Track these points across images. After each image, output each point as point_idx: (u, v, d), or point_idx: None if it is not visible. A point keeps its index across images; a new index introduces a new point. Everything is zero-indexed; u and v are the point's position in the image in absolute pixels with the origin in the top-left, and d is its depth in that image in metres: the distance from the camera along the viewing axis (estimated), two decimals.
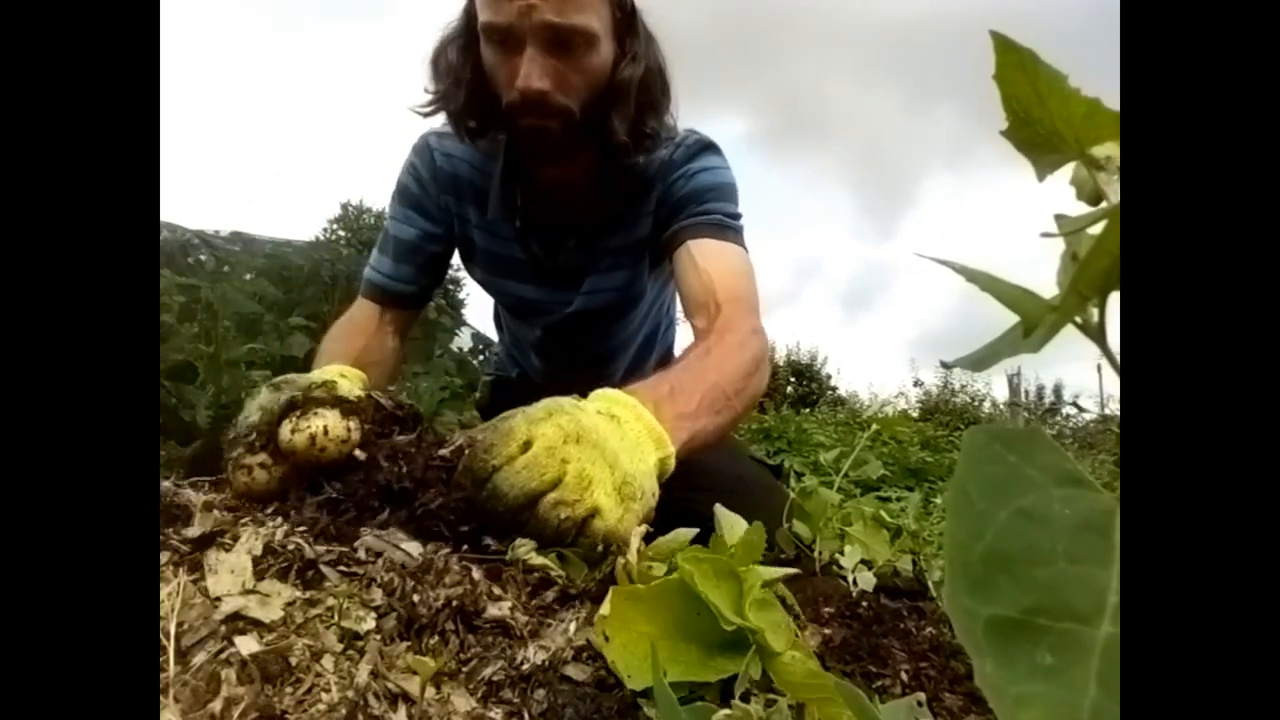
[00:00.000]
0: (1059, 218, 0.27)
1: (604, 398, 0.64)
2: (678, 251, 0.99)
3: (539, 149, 0.96)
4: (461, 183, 1.08)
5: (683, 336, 1.35)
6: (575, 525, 0.51)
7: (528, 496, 0.51)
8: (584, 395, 0.63)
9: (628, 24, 0.96)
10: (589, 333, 1.19)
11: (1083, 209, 0.28)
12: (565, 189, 1.06)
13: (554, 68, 0.89)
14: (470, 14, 0.95)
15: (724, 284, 0.92)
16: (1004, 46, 0.23)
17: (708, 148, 1.05)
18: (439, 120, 1.02)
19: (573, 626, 0.44)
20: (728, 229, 0.99)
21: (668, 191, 1.03)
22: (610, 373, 1.25)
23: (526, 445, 0.53)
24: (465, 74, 0.95)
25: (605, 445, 0.55)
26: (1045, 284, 0.28)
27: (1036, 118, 0.24)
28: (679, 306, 1.21)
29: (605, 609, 0.42)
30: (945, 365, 0.30)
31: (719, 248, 0.97)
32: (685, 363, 0.80)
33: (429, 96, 0.99)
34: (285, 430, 0.56)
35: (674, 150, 1.04)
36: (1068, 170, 0.28)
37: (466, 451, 0.54)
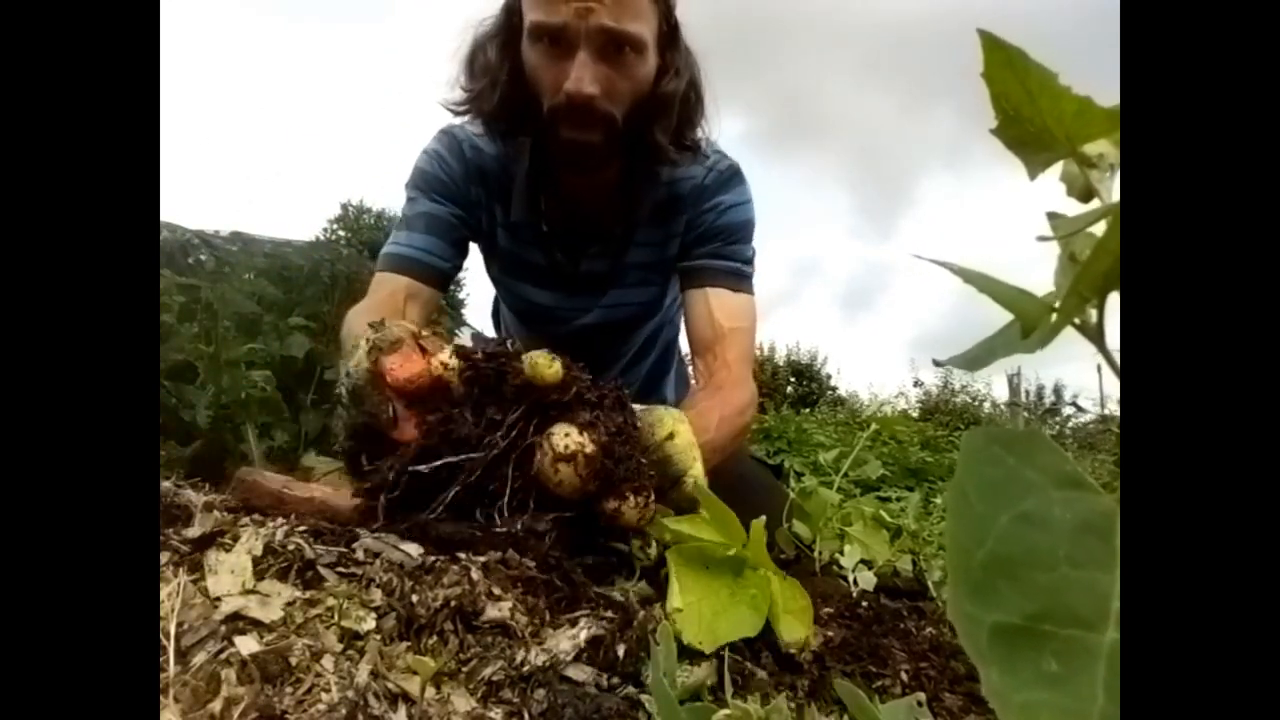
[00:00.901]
0: (1051, 215, 0.27)
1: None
2: (696, 292, 1.04)
3: (577, 157, 0.95)
4: (489, 178, 1.06)
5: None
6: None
7: (683, 470, 0.62)
8: None
9: (671, 37, 0.96)
10: (604, 343, 1.19)
11: (1075, 206, 0.28)
12: (590, 195, 1.05)
13: (604, 74, 0.89)
14: (511, 11, 0.94)
15: (732, 340, 1.00)
16: (991, 45, 0.23)
17: (736, 174, 1.08)
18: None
19: (575, 628, 0.44)
20: (744, 278, 1.06)
21: (698, 218, 1.06)
22: (607, 377, 1.25)
23: (671, 435, 0.63)
24: (502, 75, 0.94)
25: None
26: (1043, 283, 0.28)
27: (1026, 115, 0.24)
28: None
29: (675, 600, 0.49)
30: (938, 363, 0.30)
31: (734, 301, 1.03)
32: (697, 410, 0.86)
33: (461, 94, 0.98)
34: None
35: (706, 175, 1.06)
36: (1059, 168, 0.28)
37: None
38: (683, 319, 1.10)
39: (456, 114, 1.00)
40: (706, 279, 1.03)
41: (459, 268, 1.09)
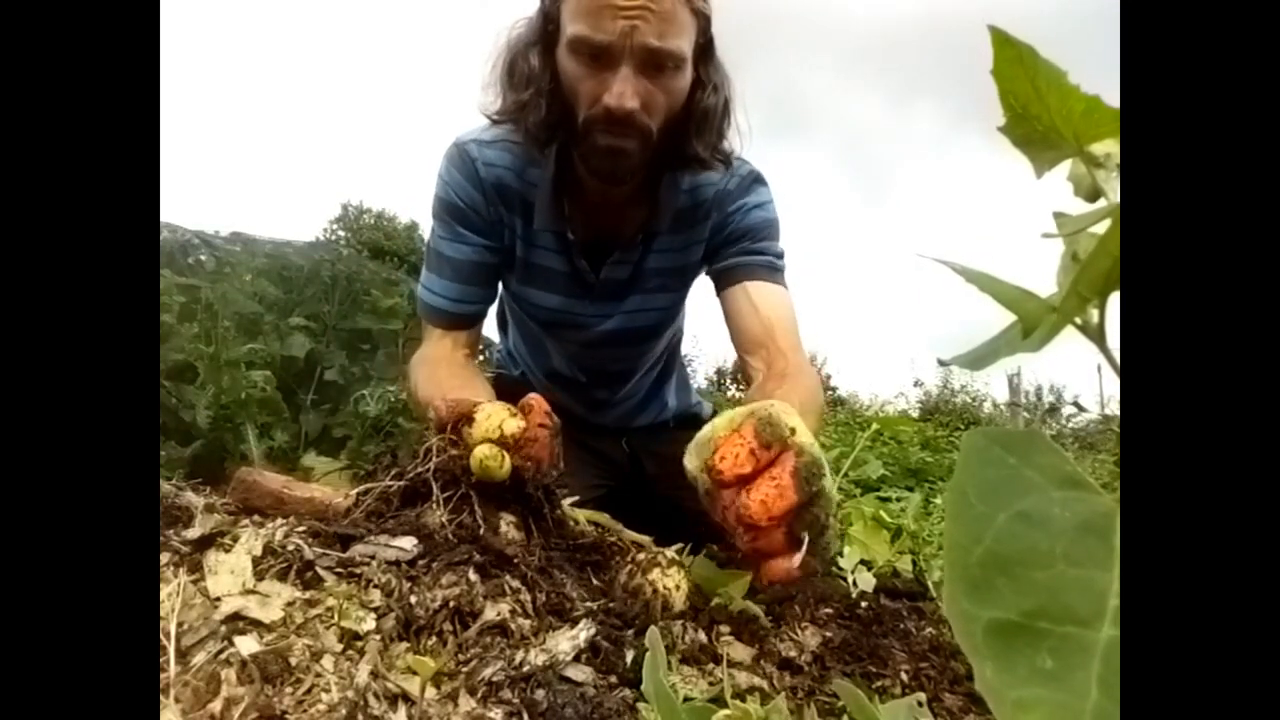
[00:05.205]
0: (1058, 216, 0.27)
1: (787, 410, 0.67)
2: (734, 289, 1.06)
3: (611, 163, 0.95)
4: (508, 192, 1.06)
5: (689, 342, 1.34)
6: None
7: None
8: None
9: (707, 50, 0.97)
10: (624, 349, 1.19)
11: (1079, 205, 0.27)
12: (614, 202, 1.06)
13: (645, 88, 0.90)
14: (547, 18, 0.94)
15: (782, 329, 1.02)
16: (1002, 42, 0.23)
17: (758, 180, 1.10)
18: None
19: (575, 629, 0.44)
20: (777, 271, 1.08)
21: (724, 221, 1.08)
22: (623, 385, 1.25)
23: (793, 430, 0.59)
24: (545, 84, 0.94)
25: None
26: (1041, 280, 0.28)
27: (1034, 113, 0.24)
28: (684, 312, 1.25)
29: None
30: (942, 363, 0.30)
31: (773, 291, 1.06)
32: (783, 394, 0.85)
33: (499, 102, 0.98)
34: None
35: (728, 180, 1.08)
36: (1064, 167, 0.28)
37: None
38: (724, 320, 1.11)
39: (497, 123, 1.00)
40: (742, 274, 1.06)
41: (493, 298, 1.14)
